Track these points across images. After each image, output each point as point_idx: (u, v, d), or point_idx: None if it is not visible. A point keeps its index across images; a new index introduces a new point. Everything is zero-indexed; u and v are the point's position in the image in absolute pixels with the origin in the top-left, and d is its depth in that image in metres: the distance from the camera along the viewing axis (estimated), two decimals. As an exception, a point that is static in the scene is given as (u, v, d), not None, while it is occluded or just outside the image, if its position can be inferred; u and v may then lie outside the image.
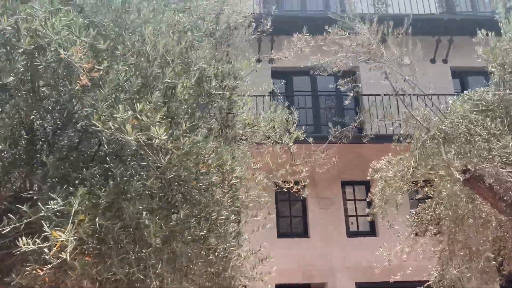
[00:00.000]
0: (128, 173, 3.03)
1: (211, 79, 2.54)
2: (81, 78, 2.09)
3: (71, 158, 2.85)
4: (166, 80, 2.32)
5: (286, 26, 8.56)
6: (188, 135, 2.35)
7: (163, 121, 2.26)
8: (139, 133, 2.12)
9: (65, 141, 2.95)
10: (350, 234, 10.32)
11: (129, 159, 2.94)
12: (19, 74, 2.66)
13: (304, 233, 10.39)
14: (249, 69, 3.45)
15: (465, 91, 5.56)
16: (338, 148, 10.29)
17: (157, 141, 2.16)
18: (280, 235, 10.21)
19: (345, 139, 5.82)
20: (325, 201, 10.51)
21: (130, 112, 2.15)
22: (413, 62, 5.47)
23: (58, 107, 2.74)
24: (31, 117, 2.98)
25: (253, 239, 10.24)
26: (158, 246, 2.67)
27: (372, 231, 10.37)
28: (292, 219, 10.69)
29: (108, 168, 2.87)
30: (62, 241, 2.00)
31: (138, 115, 2.29)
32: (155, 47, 2.33)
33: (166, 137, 2.17)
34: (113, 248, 2.51)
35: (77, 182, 2.89)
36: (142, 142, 2.18)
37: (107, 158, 2.99)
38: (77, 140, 2.98)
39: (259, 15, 4.92)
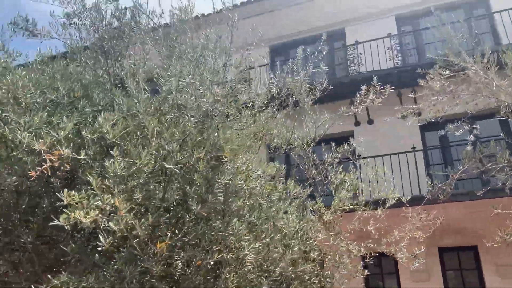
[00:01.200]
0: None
1: (171, 156, 2.46)
2: (32, 171, 2.28)
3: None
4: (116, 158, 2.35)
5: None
6: (127, 215, 2.28)
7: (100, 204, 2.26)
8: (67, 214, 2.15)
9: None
10: (548, 311, 8.10)
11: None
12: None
13: (483, 310, 8.58)
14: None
15: None
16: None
17: (87, 222, 2.15)
18: (453, 311, 8.68)
19: (441, 196, 4.75)
20: (507, 269, 8.59)
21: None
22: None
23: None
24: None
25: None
26: None
27: None
28: (466, 292, 8.99)
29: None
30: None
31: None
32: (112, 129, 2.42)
33: (88, 219, 2.15)
34: None
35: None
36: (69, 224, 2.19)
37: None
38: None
39: (321, 75, 4.66)
